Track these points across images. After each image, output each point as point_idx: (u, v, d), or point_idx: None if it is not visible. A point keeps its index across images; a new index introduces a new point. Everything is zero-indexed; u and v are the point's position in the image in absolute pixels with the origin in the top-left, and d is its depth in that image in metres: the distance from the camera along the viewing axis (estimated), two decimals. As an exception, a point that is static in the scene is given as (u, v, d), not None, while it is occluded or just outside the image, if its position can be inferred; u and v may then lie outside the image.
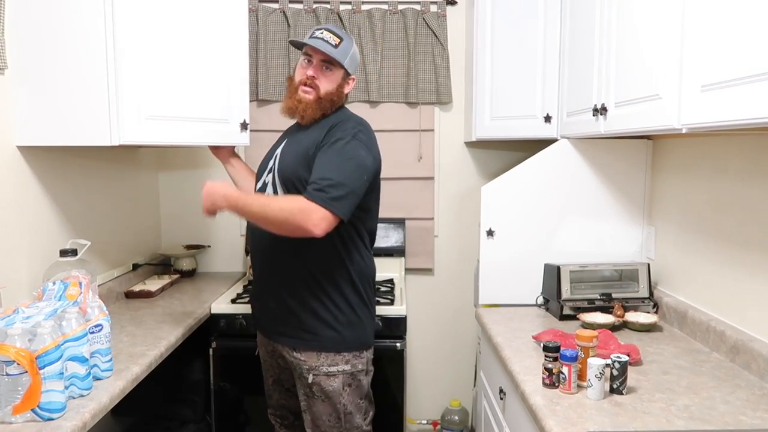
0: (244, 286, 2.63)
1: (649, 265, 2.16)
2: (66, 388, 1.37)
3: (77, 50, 1.77)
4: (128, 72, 1.82)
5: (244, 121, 2.21)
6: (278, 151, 1.84)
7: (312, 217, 1.54)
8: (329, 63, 1.76)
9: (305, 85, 1.76)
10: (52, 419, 1.31)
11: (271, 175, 1.81)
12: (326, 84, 1.77)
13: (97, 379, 1.52)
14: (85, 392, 1.44)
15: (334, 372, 1.77)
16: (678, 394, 1.45)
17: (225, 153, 2.16)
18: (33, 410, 1.29)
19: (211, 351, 2.37)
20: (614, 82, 1.76)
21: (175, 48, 1.98)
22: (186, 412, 2.42)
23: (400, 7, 2.82)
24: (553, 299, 2.16)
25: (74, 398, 1.41)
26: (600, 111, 1.82)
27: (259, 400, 2.40)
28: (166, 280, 2.62)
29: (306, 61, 1.79)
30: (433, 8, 2.82)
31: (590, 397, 1.43)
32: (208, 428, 2.44)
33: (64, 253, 1.82)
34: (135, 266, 2.61)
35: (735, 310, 1.73)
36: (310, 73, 1.76)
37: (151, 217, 2.87)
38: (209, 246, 2.97)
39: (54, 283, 1.60)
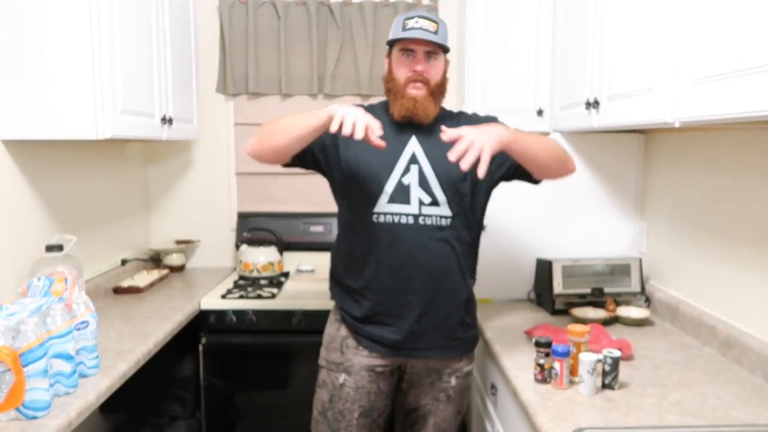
0: (234, 282, 2.61)
1: (641, 259, 2.15)
2: (51, 386, 1.34)
3: (62, 43, 1.74)
4: (110, 66, 1.81)
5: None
6: (415, 150, 1.66)
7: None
8: (433, 52, 1.64)
9: (414, 81, 1.63)
10: (36, 418, 1.28)
11: (415, 176, 1.64)
12: (434, 74, 1.65)
13: (83, 376, 1.50)
14: (71, 390, 1.41)
15: (469, 371, 1.77)
16: (670, 389, 1.45)
17: None
18: (17, 409, 1.27)
19: (200, 347, 2.34)
20: (607, 76, 1.74)
21: (144, 44, 2.01)
22: (175, 409, 2.40)
23: (392, -1, 2.79)
24: (545, 294, 2.15)
25: (59, 396, 1.39)
26: (593, 105, 1.81)
27: (249, 395, 2.39)
28: (155, 275, 2.60)
29: (406, 55, 1.64)
30: (425, 0, 2.80)
31: (582, 392, 1.42)
32: (198, 425, 2.42)
33: (50, 248, 1.79)
34: (123, 261, 2.58)
35: (727, 305, 1.73)
36: (419, 68, 1.62)
37: (139, 211, 2.83)
38: (199, 241, 2.94)
39: (39, 279, 1.57)
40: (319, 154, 1.70)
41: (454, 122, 1.76)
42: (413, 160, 1.66)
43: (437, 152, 1.67)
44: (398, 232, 1.63)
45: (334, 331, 1.75)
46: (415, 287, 1.64)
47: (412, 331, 1.65)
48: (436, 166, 1.66)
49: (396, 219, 1.63)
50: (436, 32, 1.62)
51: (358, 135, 1.38)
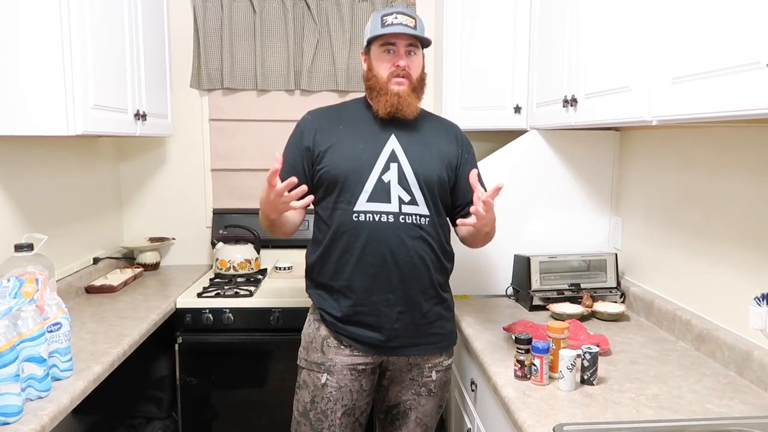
0: (211, 280, 2.58)
1: (616, 255, 2.18)
2: (23, 390, 1.30)
3: (31, 36, 1.69)
4: (81, 59, 1.76)
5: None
6: (395, 148, 1.67)
7: None
8: (413, 46, 1.66)
9: (396, 76, 1.65)
10: (7, 423, 1.25)
11: (395, 173, 1.64)
12: (415, 69, 1.68)
13: (56, 379, 1.46)
14: (44, 394, 1.37)
15: (449, 365, 1.79)
16: (647, 384, 1.47)
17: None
18: (-13, 415, 1.23)
19: (176, 346, 2.31)
20: (584, 73, 1.75)
21: (116, 37, 1.98)
22: (151, 409, 2.36)
23: (369, -6, 2.77)
24: (523, 290, 2.16)
25: (32, 400, 1.35)
26: (570, 102, 1.82)
27: (226, 394, 2.36)
28: (128, 274, 2.54)
29: (386, 51, 1.65)
30: (402, -4, 2.79)
31: (562, 388, 1.44)
32: (174, 425, 2.38)
33: (19, 248, 1.73)
34: (96, 260, 2.52)
35: (700, 300, 1.76)
36: (402, 63, 1.64)
37: (112, 209, 2.77)
38: (174, 238, 2.89)
39: (8, 280, 1.51)
40: (308, 172, 1.71)
41: (432, 122, 1.79)
42: (393, 158, 1.66)
43: (416, 150, 1.69)
44: (378, 231, 1.62)
45: (314, 331, 1.74)
46: (395, 285, 1.64)
47: (393, 329, 1.66)
48: (415, 164, 1.67)
49: (377, 218, 1.63)
50: (414, 27, 1.64)
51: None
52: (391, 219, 1.63)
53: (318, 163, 1.68)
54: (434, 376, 1.74)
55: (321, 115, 1.77)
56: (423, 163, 1.68)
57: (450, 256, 1.77)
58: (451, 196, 1.77)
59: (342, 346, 1.68)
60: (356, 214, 1.63)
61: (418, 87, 1.69)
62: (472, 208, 1.52)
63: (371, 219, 1.63)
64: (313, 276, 1.75)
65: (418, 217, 1.65)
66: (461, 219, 1.57)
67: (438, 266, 1.71)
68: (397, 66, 1.64)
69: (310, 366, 1.72)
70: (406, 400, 1.76)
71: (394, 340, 1.67)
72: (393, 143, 1.68)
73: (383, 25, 1.63)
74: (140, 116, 2.18)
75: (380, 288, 1.64)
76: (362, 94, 1.79)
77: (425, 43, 1.69)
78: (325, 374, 1.69)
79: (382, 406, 1.82)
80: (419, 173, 1.66)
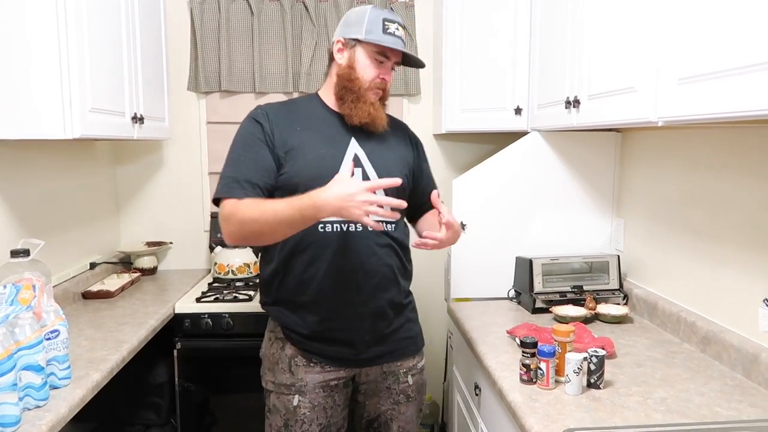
0: (209, 284, 2.55)
1: (618, 256, 2.17)
2: (20, 399, 1.28)
3: (27, 39, 1.66)
4: (79, 62, 1.74)
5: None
6: (357, 152, 1.59)
7: None
8: (397, 63, 1.63)
9: (377, 87, 1.59)
10: (5, 434, 1.22)
11: (359, 179, 1.55)
12: (389, 83, 1.64)
13: (54, 388, 1.43)
14: (42, 403, 1.35)
15: (423, 366, 1.75)
16: (654, 387, 1.46)
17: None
18: (-16, 425, 1.20)
19: (175, 352, 2.28)
20: (587, 74, 1.74)
21: (114, 40, 1.96)
22: (150, 416, 2.33)
23: (367, -4, 2.76)
24: (525, 292, 2.15)
25: (30, 410, 1.32)
26: (573, 103, 1.81)
27: (225, 400, 2.34)
28: (126, 279, 2.52)
29: (378, 60, 1.58)
30: (401, -2, 2.78)
31: (568, 392, 1.42)
32: (172, 431, 2.36)
33: (15, 253, 1.71)
34: (92, 265, 2.49)
35: (705, 302, 1.75)
36: (388, 78, 1.61)
37: (108, 213, 2.74)
38: (171, 243, 2.86)
39: (5, 287, 1.49)
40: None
41: (396, 128, 1.73)
42: (356, 163, 1.58)
43: (379, 155, 1.61)
44: (348, 242, 1.54)
45: (278, 350, 1.62)
46: (365, 297, 1.57)
47: (365, 341, 1.60)
48: (380, 169, 1.59)
49: (344, 227, 1.54)
50: (404, 43, 1.61)
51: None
52: (360, 228, 1.54)
53: (278, 167, 1.54)
54: (411, 380, 1.70)
55: (276, 112, 1.60)
56: (387, 167, 1.60)
57: (409, 255, 1.71)
58: (410, 197, 1.69)
59: (311, 364, 1.59)
60: (322, 225, 1.52)
61: (384, 99, 1.65)
62: (438, 235, 1.51)
63: (339, 229, 1.54)
64: (270, 291, 1.64)
65: (385, 224, 1.58)
66: (428, 233, 1.52)
67: (402, 271, 1.67)
68: (383, 79, 1.59)
69: (278, 389, 1.61)
70: (386, 411, 1.70)
71: (366, 352, 1.61)
72: (354, 147, 1.60)
73: (384, 31, 1.55)
74: (138, 119, 2.16)
75: (350, 301, 1.57)
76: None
77: (411, 63, 1.66)
78: (297, 395, 1.59)
79: (362, 421, 1.75)
80: (384, 177, 1.54)
